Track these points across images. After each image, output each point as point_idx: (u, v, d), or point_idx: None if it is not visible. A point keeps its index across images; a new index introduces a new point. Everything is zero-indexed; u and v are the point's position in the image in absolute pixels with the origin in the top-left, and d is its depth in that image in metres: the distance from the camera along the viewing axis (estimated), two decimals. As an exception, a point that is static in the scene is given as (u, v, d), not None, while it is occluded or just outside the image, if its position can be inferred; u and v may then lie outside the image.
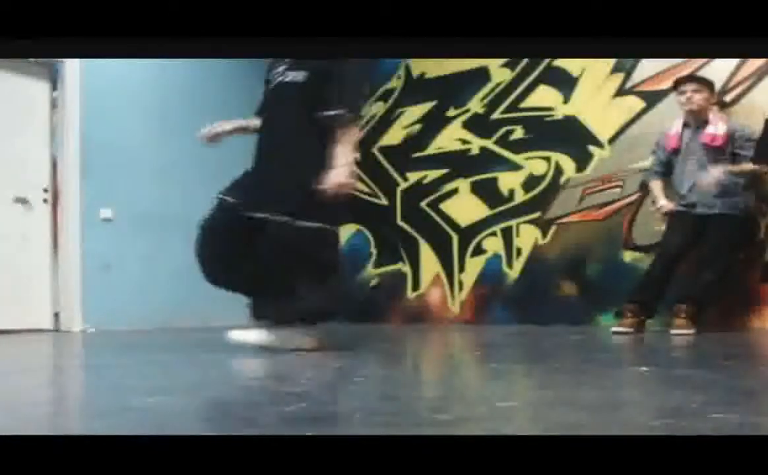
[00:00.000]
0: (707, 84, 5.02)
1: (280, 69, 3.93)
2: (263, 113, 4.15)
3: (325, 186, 3.56)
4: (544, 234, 6.08)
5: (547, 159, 6.07)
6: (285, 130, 3.90)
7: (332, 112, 3.69)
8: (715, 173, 4.78)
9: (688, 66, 5.42)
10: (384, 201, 6.90)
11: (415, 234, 6.72)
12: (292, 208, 3.61)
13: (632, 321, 4.90)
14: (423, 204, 6.65)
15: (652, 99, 5.63)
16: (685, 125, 5.08)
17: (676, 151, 5.10)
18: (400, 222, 6.82)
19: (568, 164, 5.98)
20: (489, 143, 6.35)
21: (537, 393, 2.42)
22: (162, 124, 6.47)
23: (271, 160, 3.93)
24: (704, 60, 5.35)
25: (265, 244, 3.67)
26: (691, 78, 5.09)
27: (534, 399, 2.29)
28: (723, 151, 4.91)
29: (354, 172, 3.69)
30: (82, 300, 5.86)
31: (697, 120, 5.00)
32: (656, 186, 5.26)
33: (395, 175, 6.85)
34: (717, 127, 4.93)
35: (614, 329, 4.94)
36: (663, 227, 5.26)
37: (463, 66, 6.47)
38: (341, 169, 3.59)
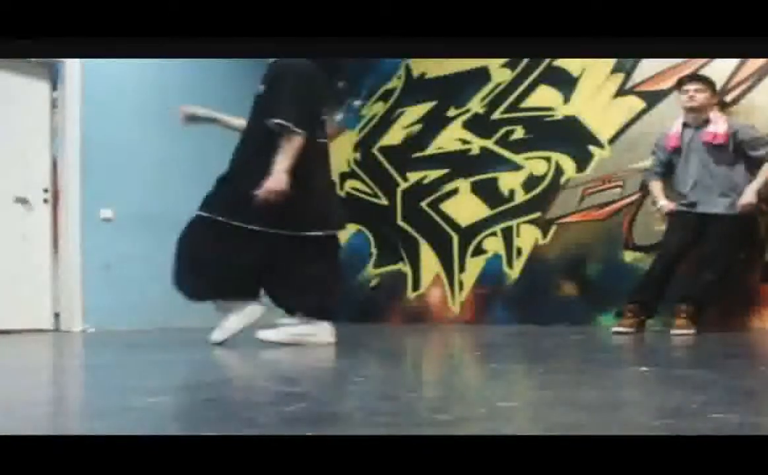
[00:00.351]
0: (709, 84, 5.02)
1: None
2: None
3: (258, 191, 3.81)
4: (545, 234, 6.08)
5: (548, 159, 6.07)
6: (251, 141, 4.17)
7: (274, 121, 3.88)
8: (751, 191, 4.82)
9: (687, 66, 5.42)
10: (384, 201, 6.90)
11: (416, 234, 6.72)
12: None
13: (633, 321, 4.90)
14: (423, 204, 6.65)
15: (652, 99, 5.63)
16: (686, 125, 5.08)
17: (676, 151, 5.10)
18: (400, 222, 6.82)
19: (568, 164, 5.98)
20: (489, 143, 6.35)
21: (537, 393, 2.42)
22: (162, 124, 6.46)
23: (242, 169, 4.17)
24: (704, 60, 5.35)
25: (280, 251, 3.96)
26: (694, 77, 5.09)
27: (534, 399, 2.29)
28: (725, 150, 4.91)
29: (285, 179, 3.82)
30: (83, 300, 5.86)
31: (697, 119, 5.00)
32: (656, 186, 5.26)
33: (395, 175, 6.85)
34: (718, 126, 4.93)
35: (614, 328, 4.95)
36: (663, 227, 5.27)
37: (463, 66, 6.47)
38: (275, 176, 3.79)
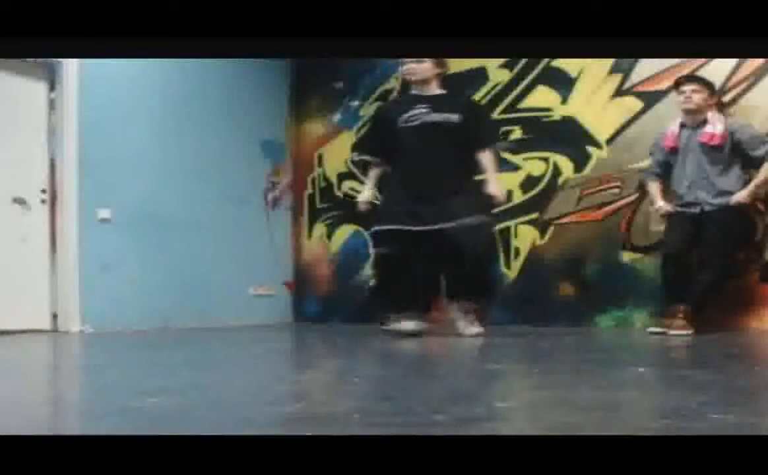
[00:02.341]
0: (707, 85, 5.03)
1: (418, 111, 4.83)
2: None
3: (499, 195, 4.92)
4: (543, 234, 6.08)
5: (546, 159, 6.07)
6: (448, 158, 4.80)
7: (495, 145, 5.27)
8: (746, 191, 4.84)
9: (687, 66, 5.42)
10: (382, 201, 6.90)
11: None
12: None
13: (685, 322, 4.78)
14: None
15: (650, 99, 5.63)
16: (683, 125, 5.08)
17: (674, 151, 5.10)
18: (398, 222, 6.80)
19: (566, 165, 5.98)
20: (487, 144, 6.34)
21: (535, 394, 2.42)
22: (160, 124, 6.46)
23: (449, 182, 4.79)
24: (703, 60, 5.36)
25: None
26: (692, 78, 5.09)
27: (532, 400, 2.29)
28: (721, 150, 4.92)
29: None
30: (81, 300, 5.85)
31: (694, 120, 5.01)
32: (654, 187, 5.27)
33: (393, 175, 6.83)
34: (715, 127, 4.93)
35: (671, 332, 4.74)
36: (661, 228, 5.27)
37: (461, 66, 6.46)
38: (497, 185, 4.90)
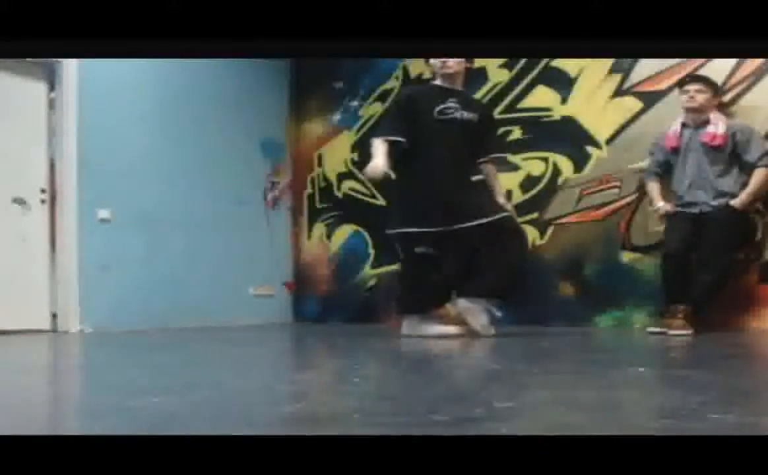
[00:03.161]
0: (711, 84, 5.03)
1: (451, 105, 4.78)
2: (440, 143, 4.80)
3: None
4: (542, 234, 6.08)
5: (545, 159, 6.07)
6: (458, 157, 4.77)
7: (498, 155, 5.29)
8: (740, 199, 4.86)
9: (686, 66, 5.43)
10: (382, 202, 6.90)
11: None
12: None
13: (685, 322, 4.78)
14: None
15: (650, 99, 5.63)
16: (684, 125, 5.09)
17: (675, 151, 5.10)
18: (398, 222, 6.80)
19: (565, 165, 5.98)
20: (487, 144, 6.34)
21: (535, 393, 2.42)
22: (160, 124, 6.46)
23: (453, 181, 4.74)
24: (703, 60, 5.36)
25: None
26: (696, 78, 5.09)
27: (532, 399, 2.29)
28: (722, 151, 4.92)
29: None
30: (80, 301, 5.85)
31: (696, 120, 5.01)
32: (653, 188, 5.27)
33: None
34: (717, 127, 4.93)
35: (671, 332, 4.75)
36: (661, 228, 5.27)
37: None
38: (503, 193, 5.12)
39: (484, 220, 4.57)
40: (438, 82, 4.89)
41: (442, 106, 4.73)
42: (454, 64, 4.78)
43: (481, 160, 4.88)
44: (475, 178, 4.78)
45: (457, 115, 4.75)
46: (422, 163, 4.69)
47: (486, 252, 4.58)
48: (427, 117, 4.70)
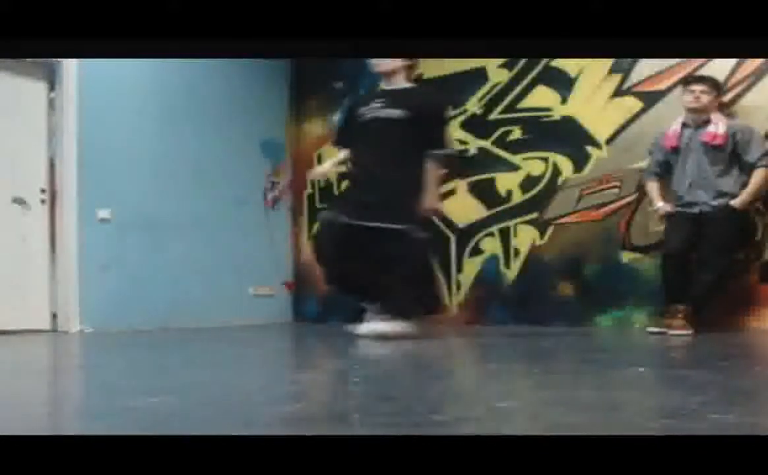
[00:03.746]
0: (716, 86, 5.03)
1: (374, 105, 4.77)
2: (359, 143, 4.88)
3: (426, 208, 4.63)
4: (542, 235, 6.08)
5: (545, 159, 6.08)
6: (390, 156, 4.70)
7: (443, 152, 4.72)
8: (740, 199, 4.85)
9: (686, 66, 5.43)
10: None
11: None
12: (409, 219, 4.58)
13: (684, 322, 4.78)
14: (421, 204, 6.64)
15: (650, 99, 5.63)
16: (685, 125, 5.09)
17: (675, 151, 5.10)
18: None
19: (565, 165, 5.99)
20: (487, 144, 6.35)
21: (535, 393, 2.42)
22: (160, 124, 6.46)
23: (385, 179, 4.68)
24: (703, 60, 5.36)
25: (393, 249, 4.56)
26: (702, 78, 5.08)
27: (532, 399, 2.29)
28: (722, 151, 4.92)
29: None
30: (80, 300, 5.86)
31: (697, 120, 5.01)
32: (653, 188, 5.27)
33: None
34: (718, 127, 4.93)
35: (671, 332, 4.75)
36: (661, 228, 5.27)
37: (461, 66, 6.47)
38: (432, 196, 4.67)
39: (381, 225, 4.52)
40: (382, 83, 4.97)
41: (364, 108, 4.80)
42: (385, 62, 4.78)
43: (428, 156, 4.64)
44: (396, 176, 4.61)
45: (380, 114, 4.70)
46: (352, 164, 4.98)
47: (386, 263, 4.61)
48: (357, 121, 4.84)
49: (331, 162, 5.09)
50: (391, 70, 4.78)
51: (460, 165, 5.21)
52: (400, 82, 4.81)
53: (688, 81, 5.08)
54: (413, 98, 4.74)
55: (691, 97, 4.99)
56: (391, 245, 4.52)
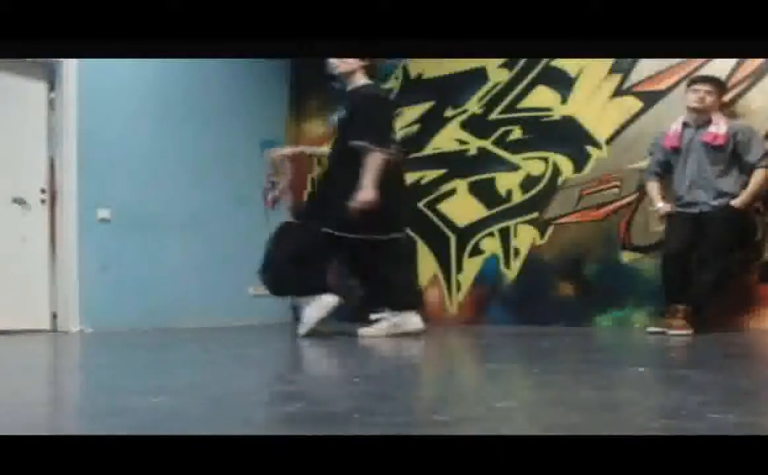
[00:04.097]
0: (721, 86, 5.04)
1: (339, 108, 4.90)
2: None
3: (353, 203, 4.52)
4: (542, 234, 6.08)
5: (545, 159, 6.07)
6: (338, 160, 4.84)
7: (359, 143, 4.60)
8: (740, 199, 4.85)
9: (686, 66, 5.43)
10: (382, 201, 6.90)
11: (413, 234, 6.72)
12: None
13: (684, 322, 4.78)
14: (421, 204, 6.65)
15: (650, 99, 5.63)
16: (686, 125, 5.08)
17: (675, 151, 5.10)
18: (398, 222, 6.80)
19: (565, 165, 5.98)
20: (487, 144, 6.35)
21: (535, 393, 2.42)
22: (160, 124, 6.46)
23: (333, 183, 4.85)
24: (703, 60, 5.36)
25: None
26: (708, 78, 5.07)
27: (532, 399, 2.29)
28: (723, 151, 4.92)
29: (373, 191, 4.54)
30: (80, 300, 5.85)
31: (698, 120, 5.01)
32: (653, 188, 5.26)
33: (393, 175, 6.83)
34: (719, 127, 4.93)
35: (670, 331, 4.74)
36: (661, 228, 5.27)
37: (461, 66, 6.47)
38: (364, 189, 4.51)
39: (328, 231, 4.63)
40: None
41: (336, 113, 4.93)
42: (340, 65, 4.80)
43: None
44: (339, 178, 4.72)
45: (339, 115, 4.82)
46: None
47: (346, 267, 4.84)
48: (333, 126, 5.03)
49: (298, 149, 5.38)
50: (350, 71, 4.79)
51: (402, 157, 5.20)
52: (357, 82, 4.82)
53: (693, 80, 5.08)
54: (353, 97, 4.76)
55: (695, 96, 4.99)
56: (337, 249, 4.68)
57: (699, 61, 5.38)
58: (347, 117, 4.71)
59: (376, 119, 4.69)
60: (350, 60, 4.74)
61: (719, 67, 5.29)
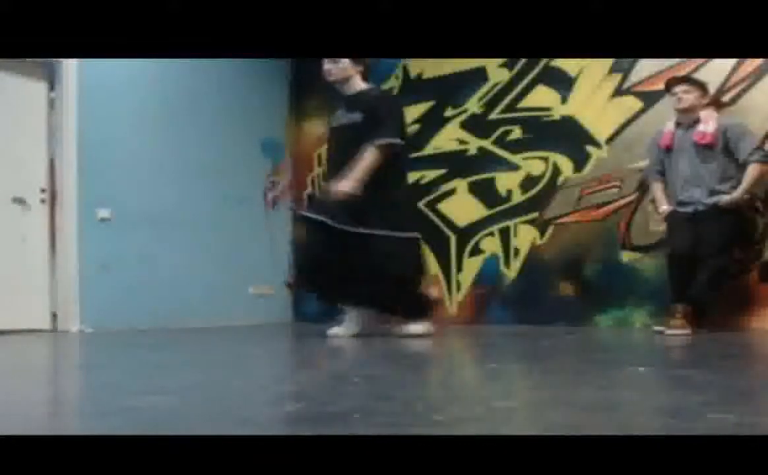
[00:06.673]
0: (698, 84, 5.04)
1: (339, 114, 4.88)
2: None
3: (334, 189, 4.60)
4: (542, 234, 6.09)
5: (545, 159, 6.08)
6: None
7: (379, 142, 4.61)
8: (730, 197, 4.86)
9: (686, 66, 5.43)
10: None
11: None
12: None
13: (683, 322, 4.79)
14: (421, 204, 6.65)
15: (649, 99, 5.63)
16: (678, 125, 5.10)
17: (668, 150, 5.12)
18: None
19: (565, 164, 5.99)
20: (487, 143, 6.35)
21: (535, 393, 2.42)
22: (160, 124, 6.46)
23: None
24: (703, 60, 5.36)
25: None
26: (681, 79, 5.10)
27: (532, 399, 2.29)
28: (713, 149, 4.92)
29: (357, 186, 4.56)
30: (80, 300, 5.86)
31: (687, 119, 5.02)
32: (658, 188, 5.24)
33: (393, 175, 6.83)
34: (707, 126, 4.94)
35: (668, 331, 4.77)
36: (662, 228, 5.27)
37: (461, 66, 6.47)
38: (350, 179, 4.53)
39: (328, 222, 4.58)
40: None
41: (334, 119, 4.94)
42: (336, 70, 4.76)
43: (369, 144, 4.62)
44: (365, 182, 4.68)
45: (343, 121, 4.78)
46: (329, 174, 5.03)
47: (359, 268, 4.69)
48: (331, 132, 5.02)
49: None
50: (344, 78, 4.78)
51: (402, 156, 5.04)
52: (356, 86, 4.80)
53: (667, 85, 5.11)
54: (367, 99, 4.76)
55: (673, 99, 5.03)
56: (357, 249, 4.59)
57: (699, 61, 5.38)
58: (363, 120, 4.65)
59: (397, 118, 4.77)
60: (343, 65, 4.72)
61: (719, 67, 5.30)
